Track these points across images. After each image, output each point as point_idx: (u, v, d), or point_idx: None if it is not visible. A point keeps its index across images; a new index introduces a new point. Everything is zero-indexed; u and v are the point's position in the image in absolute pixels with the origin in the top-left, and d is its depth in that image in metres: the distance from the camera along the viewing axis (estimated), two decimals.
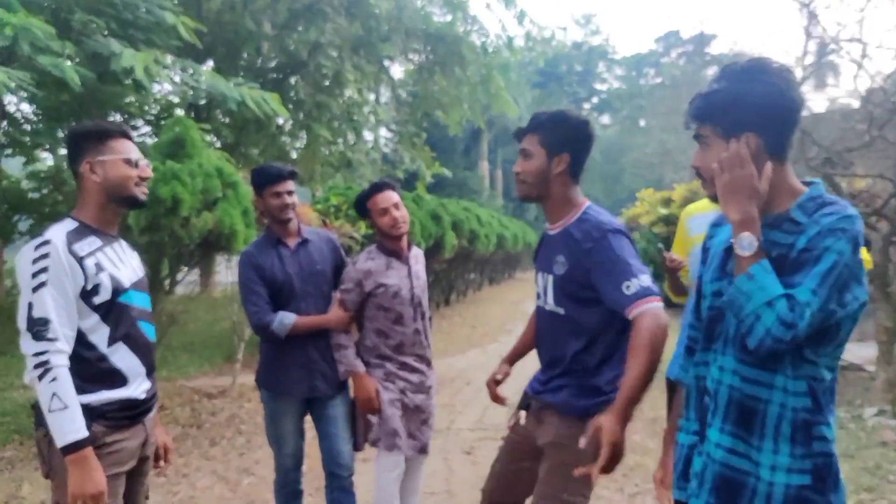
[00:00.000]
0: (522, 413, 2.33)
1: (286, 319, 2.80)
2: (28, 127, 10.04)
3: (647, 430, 5.04)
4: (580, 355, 2.09)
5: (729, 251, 1.51)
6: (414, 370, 2.99)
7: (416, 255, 3.11)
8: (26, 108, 10.41)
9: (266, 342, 2.95)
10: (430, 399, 3.06)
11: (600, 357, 2.08)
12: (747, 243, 1.39)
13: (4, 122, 9.63)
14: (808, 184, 1.49)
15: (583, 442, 1.79)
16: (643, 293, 1.88)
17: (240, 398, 6.09)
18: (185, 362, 7.82)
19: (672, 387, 2.76)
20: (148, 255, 4.64)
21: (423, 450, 3.05)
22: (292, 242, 2.92)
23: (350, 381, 2.98)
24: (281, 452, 2.98)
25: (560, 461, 2.04)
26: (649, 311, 1.86)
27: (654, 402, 5.95)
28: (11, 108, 10.01)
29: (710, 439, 1.49)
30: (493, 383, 2.46)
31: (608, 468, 1.78)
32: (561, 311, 2.12)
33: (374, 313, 2.94)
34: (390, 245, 2.97)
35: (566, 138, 2.10)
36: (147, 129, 11.95)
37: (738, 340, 1.46)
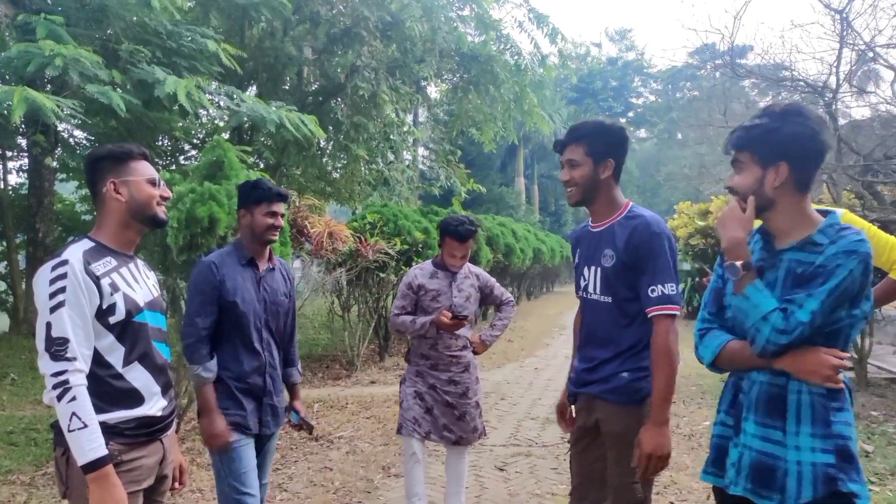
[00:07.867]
0: (573, 407, 2.53)
1: (210, 370, 2.57)
2: (81, 152, 10.50)
3: (682, 447, 4.94)
4: (627, 338, 2.29)
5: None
6: (446, 369, 3.41)
7: (469, 273, 3.51)
8: (79, 134, 10.95)
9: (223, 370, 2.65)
10: (466, 399, 3.45)
11: (642, 338, 2.26)
12: (733, 271, 1.64)
13: (59, 149, 10.14)
14: (824, 213, 1.72)
15: (634, 460, 2.14)
16: (663, 300, 2.17)
17: None
18: None
19: None
20: (187, 274, 4.80)
21: (458, 442, 3.43)
22: (263, 266, 2.75)
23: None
24: (249, 500, 2.58)
25: (626, 448, 2.24)
26: (661, 317, 2.17)
27: (692, 418, 5.86)
28: (66, 135, 10.54)
29: (746, 431, 1.70)
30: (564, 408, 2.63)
31: (647, 474, 2.14)
32: (608, 299, 2.33)
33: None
34: (443, 264, 3.44)
35: (609, 146, 2.30)
36: (194, 152, 12.39)
37: None
